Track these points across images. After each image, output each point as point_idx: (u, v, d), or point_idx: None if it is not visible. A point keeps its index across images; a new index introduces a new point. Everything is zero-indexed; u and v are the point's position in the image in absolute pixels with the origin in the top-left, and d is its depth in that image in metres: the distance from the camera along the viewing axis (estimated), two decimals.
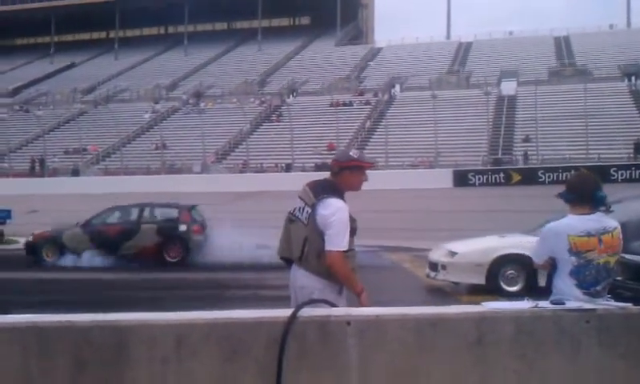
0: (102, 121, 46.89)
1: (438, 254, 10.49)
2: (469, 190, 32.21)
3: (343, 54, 61.01)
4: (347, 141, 40.50)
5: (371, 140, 41.56)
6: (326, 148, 39.57)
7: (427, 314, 2.97)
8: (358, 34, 71.72)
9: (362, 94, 49.11)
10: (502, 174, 34.16)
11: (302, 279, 4.02)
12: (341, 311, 2.94)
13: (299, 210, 4.19)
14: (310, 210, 4.07)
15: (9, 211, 20.03)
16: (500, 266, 9.90)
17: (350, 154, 4.36)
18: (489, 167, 35.53)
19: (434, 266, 10.31)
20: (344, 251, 3.85)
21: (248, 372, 2.80)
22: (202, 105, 49.66)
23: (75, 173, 39.65)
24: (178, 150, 42.12)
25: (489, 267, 9.85)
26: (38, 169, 41.21)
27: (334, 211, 3.98)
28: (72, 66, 66.68)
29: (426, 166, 36.43)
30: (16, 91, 59.08)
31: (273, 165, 38.94)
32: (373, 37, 72.42)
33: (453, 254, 10.31)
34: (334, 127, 39.23)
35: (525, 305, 3.01)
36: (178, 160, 40.66)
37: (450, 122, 39.01)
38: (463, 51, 58.98)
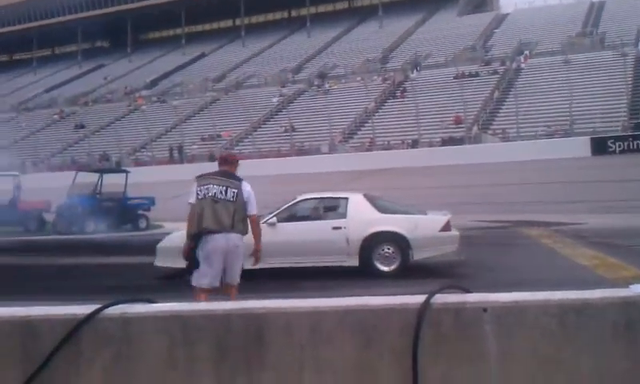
0: (233, 107, 48.60)
1: None
2: (609, 158, 30.35)
3: (467, 24, 59.21)
4: (475, 113, 39.42)
5: (501, 111, 40.18)
6: (452, 121, 38.75)
7: (570, 298, 2.79)
8: (482, 1, 69.29)
9: (488, 63, 47.52)
10: None
11: (235, 240, 6.04)
12: (476, 297, 2.84)
13: (220, 192, 6.02)
14: (236, 191, 6.06)
15: (152, 198, 21.32)
16: None
17: (230, 152, 7.45)
18: (630, 133, 33.23)
19: None
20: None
21: (383, 359, 2.78)
22: (326, 86, 50.14)
23: (212, 158, 41.29)
24: (306, 131, 42.84)
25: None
26: (177, 156, 43.39)
27: (250, 189, 6.18)
28: (202, 55, 69.48)
29: (561, 134, 34.68)
30: (153, 83, 62.45)
31: (399, 141, 38.66)
32: (498, 3, 69.69)
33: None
34: (460, 100, 38.28)
35: None
36: (307, 141, 41.36)
37: (585, 87, 36.94)
38: (596, 11, 55.41)
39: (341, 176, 30.67)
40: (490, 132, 37.77)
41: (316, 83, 51.61)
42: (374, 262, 9.49)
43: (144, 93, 59.38)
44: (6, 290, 9.36)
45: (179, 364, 2.90)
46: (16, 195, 22.36)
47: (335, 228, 9.62)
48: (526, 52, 47.76)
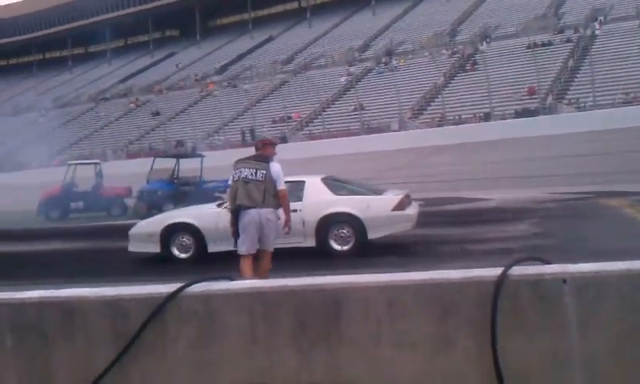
0: (302, 88, 48.80)
1: None
2: None
3: None
4: (549, 83, 38.20)
5: (576, 79, 38.76)
6: (525, 93, 37.72)
7: None
8: None
9: (561, 31, 45.85)
10: None
11: (266, 214, 7.04)
12: (556, 268, 2.79)
13: (251, 174, 7.05)
14: (264, 172, 7.04)
15: (227, 181, 21.68)
16: (170, 234, 10.35)
17: (266, 136, 8.24)
18: None
19: None
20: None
21: (461, 332, 2.79)
22: (394, 62, 49.63)
23: (283, 140, 41.72)
24: (375, 109, 42.61)
25: (160, 236, 10.32)
26: (249, 139, 43.93)
27: (278, 168, 7.16)
28: (270, 39, 69.91)
29: None
30: (223, 69, 63.35)
31: (470, 115, 37.95)
32: None
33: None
34: (533, 70, 37.20)
35: None
36: (376, 119, 41.15)
37: None
38: None
39: (412, 153, 30.45)
40: (565, 102, 36.54)
41: (383, 60, 51.16)
42: (329, 242, 9.84)
43: (215, 78, 60.36)
44: (92, 273, 9.84)
45: (260, 339, 2.99)
46: (99, 182, 23.23)
47: (291, 210, 9.87)
48: (600, 18, 45.83)
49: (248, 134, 44.17)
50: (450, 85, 43.27)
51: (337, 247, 9.80)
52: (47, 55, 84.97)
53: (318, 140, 39.73)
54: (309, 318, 2.93)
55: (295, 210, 9.82)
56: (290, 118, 45.33)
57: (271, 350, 2.98)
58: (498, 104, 37.21)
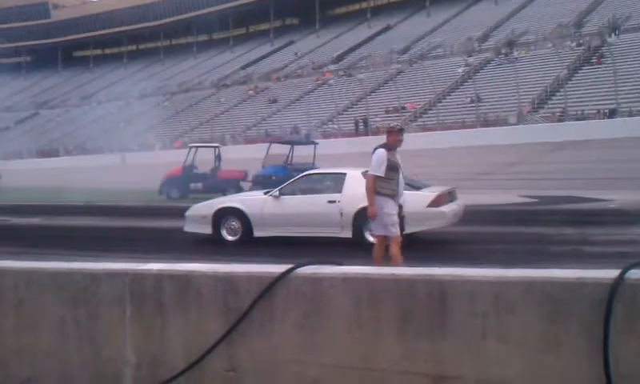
0: (418, 79, 48.26)
1: None
2: None
3: None
4: None
5: None
6: None
7: None
8: None
9: None
10: None
11: (379, 200, 7.35)
12: None
13: None
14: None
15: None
16: (221, 217, 10.87)
17: (390, 124, 9.05)
18: None
19: None
20: (378, 176, 7.27)
21: (571, 333, 2.72)
22: (514, 53, 48.05)
23: None
24: (493, 102, 41.49)
25: (212, 218, 10.83)
26: (362, 128, 44.11)
27: (376, 155, 7.36)
28: (387, 28, 69.58)
29: None
30: (340, 58, 63.78)
31: (594, 111, 36.13)
32: None
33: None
34: None
35: None
36: (493, 112, 40.07)
37: None
38: None
39: (529, 148, 29.44)
40: None
41: (503, 51, 49.63)
42: (365, 234, 9.84)
43: (331, 67, 60.87)
44: (207, 251, 10.31)
45: (365, 324, 3.04)
46: (217, 165, 24.07)
47: (330, 202, 10.18)
48: None
49: (361, 124, 44.28)
50: (574, 78, 41.39)
51: (372, 240, 9.50)
52: (174, 42, 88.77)
53: (432, 131, 39.20)
54: (414, 308, 2.95)
55: (334, 202, 10.22)
56: (403, 108, 45.01)
57: (375, 337, 3.02)
58: (625, 100, 35.20)
